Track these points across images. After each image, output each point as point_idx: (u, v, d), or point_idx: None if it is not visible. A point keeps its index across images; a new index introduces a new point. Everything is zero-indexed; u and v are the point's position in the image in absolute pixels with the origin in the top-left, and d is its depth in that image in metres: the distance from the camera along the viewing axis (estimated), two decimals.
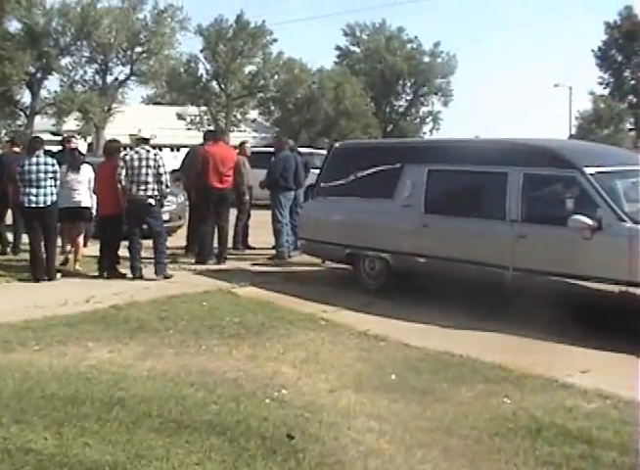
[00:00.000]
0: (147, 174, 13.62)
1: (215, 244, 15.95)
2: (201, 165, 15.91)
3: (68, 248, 15.15)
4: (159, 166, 13.70)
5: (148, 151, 13.76)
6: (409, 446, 5.99)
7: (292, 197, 17.03)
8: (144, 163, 13.64)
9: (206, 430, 6.14)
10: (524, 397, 7.29)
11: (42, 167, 13.53)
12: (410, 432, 6.30)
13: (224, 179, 15.94)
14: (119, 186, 13.61)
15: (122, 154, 13.90)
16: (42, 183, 13.49)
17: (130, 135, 14.29)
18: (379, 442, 6.07)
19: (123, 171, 13.58)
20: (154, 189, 13.66)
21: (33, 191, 13.46)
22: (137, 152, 13.74)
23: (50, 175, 13.57)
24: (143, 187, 13.64)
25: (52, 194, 13.60)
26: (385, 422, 6.51)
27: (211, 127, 62.87)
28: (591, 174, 10.18)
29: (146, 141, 14.01)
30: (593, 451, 5.91)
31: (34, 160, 13.57)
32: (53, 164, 13.68)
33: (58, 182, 13.78)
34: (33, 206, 13.51)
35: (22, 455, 5.52)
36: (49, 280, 13.46)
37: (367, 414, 6.71)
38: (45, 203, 13.53)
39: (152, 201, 13.69)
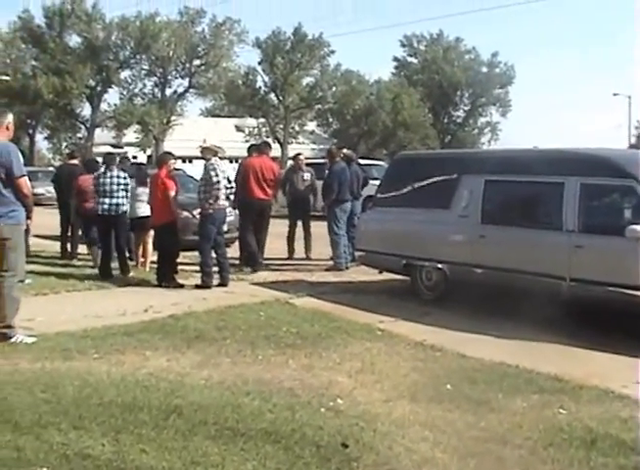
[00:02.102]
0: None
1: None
2: (242, 177, 16.31)
3: (140, 253, 16.34)
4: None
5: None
6: (463, 455, 5.98)
7: (347, 208, 17.10)
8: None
9: (262, 438, 6.16)
10: (579, 407, 7.25)
11: (115, 180, 15.25)
12: (464, 441, 6.30)
13: (264, 190, 16.26)
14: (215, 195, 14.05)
15: (214, 162, 14.28)
16: (115, 194, 15.20)
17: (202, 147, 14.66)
18: (433, 451, 6.06)
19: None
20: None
21: (107, 200, 15.17)
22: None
23: (122, 187, 15.31)
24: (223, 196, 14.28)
25: (123, 204, 15.36)
26: (439, 432, 6.51)
27: (268, 139, 63.30)
28: None
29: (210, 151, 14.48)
30: None
31: (109, 173, 15.33)
32: (125, 178, 15.45)
33: (129, 193, 15.55)
34: (106, 214, 15.20)
35: (80, 461, 5.57)
36: (123, 274, 15.01)
37: (421, 424, 6.71)
38: (117, 211, 15.26)
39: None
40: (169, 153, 15.42)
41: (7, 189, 9.35)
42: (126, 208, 15.52)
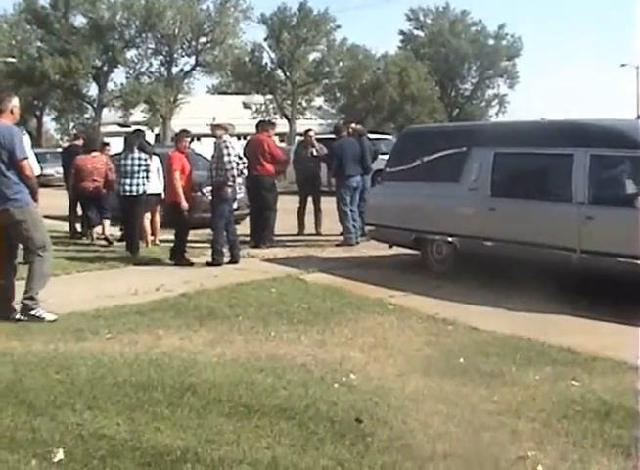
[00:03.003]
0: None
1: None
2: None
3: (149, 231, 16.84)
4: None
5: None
6: (477, 428, 5.99)
7: (353, 183, 17.13)
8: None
9: (276, 414, 6.18)
10: (592, 379, 7.25)
11: (137, 161, 15.71)
12: (478, 415, 6.30)
13: (255, 166, 16.41)
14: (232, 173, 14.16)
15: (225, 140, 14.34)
16: (136, 175, 15.67)
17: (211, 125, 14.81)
18: (446, 425, 6.07)
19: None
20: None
21: (128, 181, 15.66)
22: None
23: (143, 168, 15.79)
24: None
25: (144, 184, 15.81)
26: (452, 405, 6.51)
27: (277, 116, 63.35)
28: None
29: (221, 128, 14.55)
30: None
31: (130, 154, 15.80)
32: (145, 159, 15.94)
33: (149, 174, 16.03)
34: (127, 194, 15.70)
35: (96, 441, 5.60)
36: (132, 253, 15.18)
37: (435, 398, 6.72)
38: (138, 191, 15.72)
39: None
40: (185, 131, 15.39)
41: (10, 171, 9.43)
42: (146, 187, 15.90)
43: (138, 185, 15.71)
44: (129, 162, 15.73)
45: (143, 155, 15.94)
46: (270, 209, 16.67)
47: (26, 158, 9.62)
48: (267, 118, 42.01)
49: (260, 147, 16.54)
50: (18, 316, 9.64)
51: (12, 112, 9.67)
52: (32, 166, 9.89)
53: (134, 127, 21.36)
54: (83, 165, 16.57)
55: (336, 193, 17.30)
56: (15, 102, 9.77)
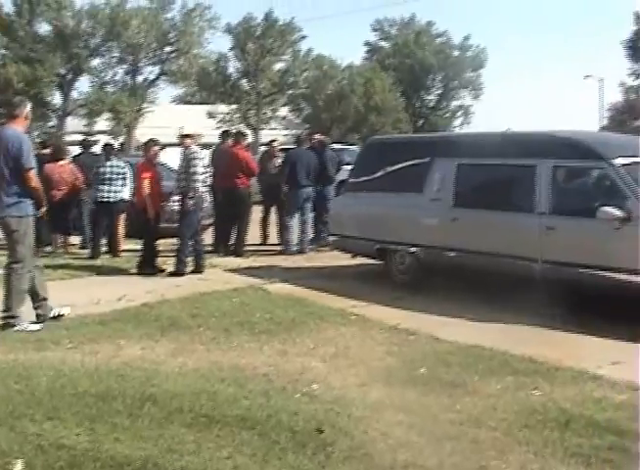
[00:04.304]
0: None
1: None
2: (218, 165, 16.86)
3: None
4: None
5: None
6: (438, 438, 6.01)
7: (304, 193, 17.27)
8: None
9: (237, 424, 6.17)
10: (553, 389, 7.30)
11: (115, 169, 16.39)
12: (439, 424, 6.33)
13: (232, 178, 16.47)
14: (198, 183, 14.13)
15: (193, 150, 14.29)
16: (114, 182, 16.27)
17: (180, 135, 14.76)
18: (408, 435, 6.09)
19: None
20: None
21: (106, 188, 16.23)
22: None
23: (121, 176, 16.37)
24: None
25: (121, 191, 16.29)
26: (414, 415, 6.53)
27: (242, 125, 63.30)
28: (620, 166, 10.17)
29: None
30: (622, 443, 5.91)
31: (108, 162, 16.49)
32: (123, 167, 16.56)
33: (127, 182, 16.38)
34: (105, 200, 16.21)
35: (55, 451, 5.56)
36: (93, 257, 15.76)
37: (396, 408, 6.74)
38: (115, 198, 16.25)
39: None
40: (154, 139, 15.33)
41: (14, 180, 9.46)
42: (124, 195, 16.38)
43: (116, 192, 16.25)
44: (108, 169, 16.34)
45: (121, 163, 16.58)
46: (244, 220, 16.66)
47: (33, 168, 9.62)
48: (232, 129, 41.96)
49: (236, 159, 16.49)
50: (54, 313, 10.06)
51: (26, 118, 9.80)
52: (37, 178, 9.90)
53: (98, 136, 21.34)
54: (51, 174, 16.49)
55: (286, 203, 17.46)
56: (29, 108, 9.89)
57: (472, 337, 9.15)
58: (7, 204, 9.48)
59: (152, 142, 15.09)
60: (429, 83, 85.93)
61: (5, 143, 9.48)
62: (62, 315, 10.09)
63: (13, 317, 9.64)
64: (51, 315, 10.03)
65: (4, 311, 9.69)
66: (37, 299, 10.01)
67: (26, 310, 9.87)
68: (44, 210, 10.17)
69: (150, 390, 7.03)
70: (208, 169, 15.15)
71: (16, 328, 9.54)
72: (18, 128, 9.64)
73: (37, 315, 9.98)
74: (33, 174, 9.59)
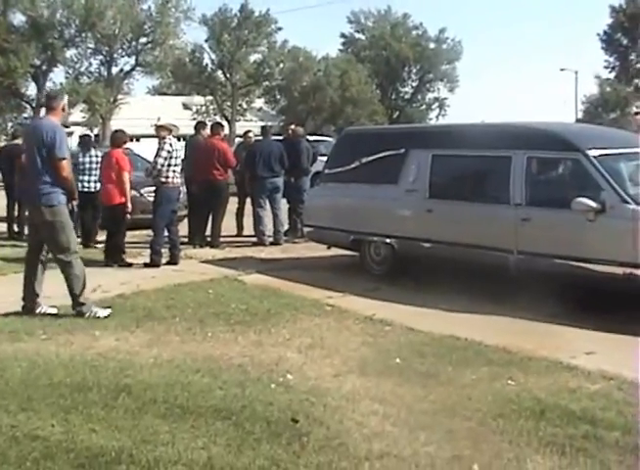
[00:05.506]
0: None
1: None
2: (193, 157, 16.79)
3: None
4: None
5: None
6: (413, 428, 6.02)
7: (267, 184, 17.36)
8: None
9: (212, 415, 6.17)
10: (527, 379, 7.32)
11: (94, 159, 16.61)
12: (414, 414, 6.34)
13: (211, 170, 16.47)
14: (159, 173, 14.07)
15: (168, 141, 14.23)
16: (94, 172, 16.42)
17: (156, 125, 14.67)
18: (383, 424, 6.10)
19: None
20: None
21: (86, 178, 16.49)
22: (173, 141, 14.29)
23: (100, 166, 15.75)
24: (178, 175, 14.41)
25: (100, 181, 15.58)
26: (389, 405, 6.55)
27: (217, 117, 63.18)
28: (594, 157, 10.19)
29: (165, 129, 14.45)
30: (596, 432, 5.93)
31: (87, 153, 16.83)
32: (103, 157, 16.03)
33: None
34: (85, 190, 16.03)
35: (30, 442, 5.55)
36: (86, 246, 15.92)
37: (371, 398, 6.75)
38: (95, 188, 16.22)
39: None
40: (122, 131, 15.27)
41: (46, 169, 9.62)
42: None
43: (95, 182, 16.28)
44: (87, 159, 16.68)
45: (100, 153, 16.43)
46: (219, 212, 16.63)
47: (65, 158, 9.74)
48: (208, 120, 41.73)
49: (215, 151, 16.43)
50: (39, 310, 10.01)
51: (63, 110, 10.09)
52: (70, 168, 10.05)
53: (73, 128, 21.22)
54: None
55: (252, 195, 17.62)
56: (65, 100, 10.26)
57: (447, 327, 9.17)
58: (40, 193, 9.64)
59: (120, 133, 15.18)
60: (404, 75, 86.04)
61: (40, 133, 9.69)
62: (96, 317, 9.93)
63: (81, 304, 9.83)
64: (37, 311, 10.00)
65: (72, 301, 9.89)
66: (30, 290, 10.07)
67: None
68: (75, 202, 10.33)
69: (124, 381, 7.03)
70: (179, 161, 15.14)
71: (86, 315, 9.71)
72: (54, 120, 9.88)
73: (23, 307, 10.00)
74: (66, 164, 9.75)
